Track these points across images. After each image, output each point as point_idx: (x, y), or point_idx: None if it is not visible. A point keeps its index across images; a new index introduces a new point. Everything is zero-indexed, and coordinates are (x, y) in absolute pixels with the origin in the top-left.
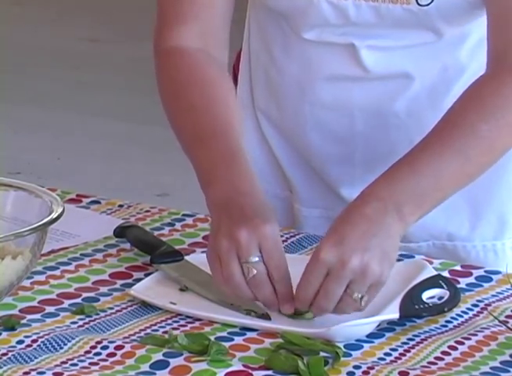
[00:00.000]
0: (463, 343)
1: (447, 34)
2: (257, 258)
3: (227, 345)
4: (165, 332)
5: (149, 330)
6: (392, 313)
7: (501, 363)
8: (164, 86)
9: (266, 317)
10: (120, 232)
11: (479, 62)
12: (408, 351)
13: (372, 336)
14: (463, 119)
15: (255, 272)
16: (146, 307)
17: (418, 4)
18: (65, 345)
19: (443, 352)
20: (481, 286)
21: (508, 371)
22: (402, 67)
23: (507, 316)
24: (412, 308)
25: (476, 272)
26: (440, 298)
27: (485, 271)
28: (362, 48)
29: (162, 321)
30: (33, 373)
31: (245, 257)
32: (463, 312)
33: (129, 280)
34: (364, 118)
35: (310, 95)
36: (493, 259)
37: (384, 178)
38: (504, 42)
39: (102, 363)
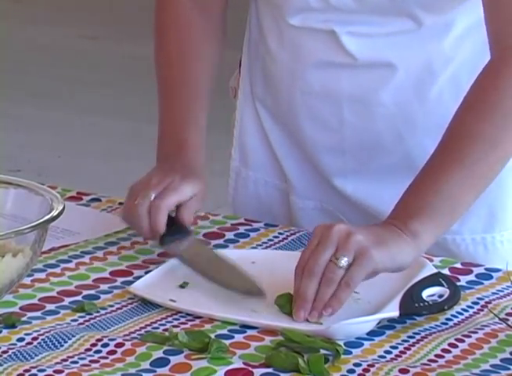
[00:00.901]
0: (463, 341)
1: (428, 23)
2: (148, 200)
3: (227, 342)
4: (165, 330)
5: (149, 328)
6: (392, 311)
7: (501, 360)
8: (154, 35)
9: (261, 294)
10: None
11: (465, 53)
12: (408, 348)
13: (372, 334)
14: (462, 122)
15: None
16: (147, 305)
17: None
18: (65, 342)
19: (443, 350)
20: (482, 283)
21: (508, 369)
22: (385, 56)
23: (507, 314)
24: (413, 306)
25: (476, 270)
26: (440, 296)
27: (486, 269)
28: (342, 34)
29: (162, 319)
30: (33, 370)
31: (141, 196)
32: (463, 309)
33: (129, 278)
34: (351, 107)
35: (301, 83)
36: (483, 253)
37: (395, 205)
38: (500, 24)
39: (102, 361)
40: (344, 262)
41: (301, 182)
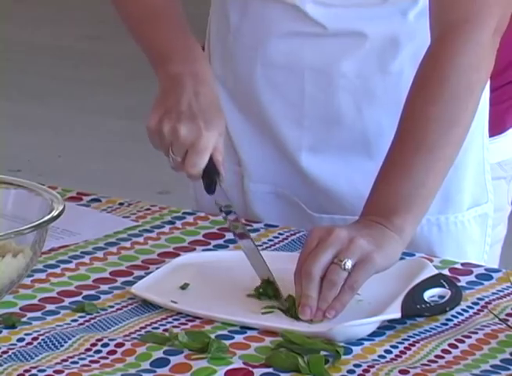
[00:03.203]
0: (463, 341)
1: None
2: (179, 159)
3: (227, 343)
4: (166, 330)
5: (149, 328)
6: (394, 313)
7: (501, 361)
8: None
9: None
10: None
11: (428, 29)
12: (408, 349)
13: (372, 334)
14: (415, 106)
15: (175, 160)
16: (147, 305)
17: None
18: (65, 342)
19: (443, 351)
20: (482, 284)
21: (508, 369)
22: (354, 25)
23: (507, 314)
24: (414, 307)
25: (476, 271)
26: (441, 297)
27: (486, 269)
28: (306, 3)
29: (162, 319)
30: (33, 371)
31: (174, 152)
32: (463, 310)
33: (130, 278)
34: (313, 78)
35: (262, 55)
36: (437, 234)
37: (368, 199)
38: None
39: (102, 361)
40: (348, 264)
41: (256, 165)
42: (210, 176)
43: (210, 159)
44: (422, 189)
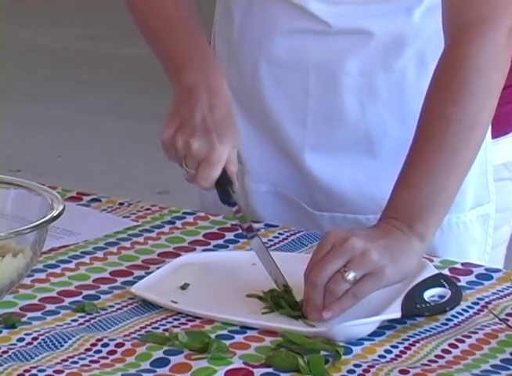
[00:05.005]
0: (463, 341)
1: None
2: (193, 172)
3: (227, 343)
4: (166, 330)
5: (149, 328)
6: (394, 313)
7: (501, 361)
8: None
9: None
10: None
11: (433, 28)
12: (408, 349)
13: (372, 334)
14: (435, 107)
15: (189, 173)
16: (147, 305)
17: None
18: (65, 342)
19: (443, 350)
20: (482, 284)
21: (508, 369)
22: (360, 23)
23: (508, 314)
24: (414, 307)
25: (476, 270)
26: (441, 297)
27: (486, 269)
28: (310, 1)
29: (162, 319)
30: (33, 370)
31: (188, 165)
32: (463, 310)
33: (130, 278)
34: (317, 76)
35: (267, 53)
36: (439, 235)
37: (390, 201)
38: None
39: (102, 361)
40: (351, 276)
41: (257, 164)
42: (224, 186)
43: (224, 170)
44: (443, 194)
